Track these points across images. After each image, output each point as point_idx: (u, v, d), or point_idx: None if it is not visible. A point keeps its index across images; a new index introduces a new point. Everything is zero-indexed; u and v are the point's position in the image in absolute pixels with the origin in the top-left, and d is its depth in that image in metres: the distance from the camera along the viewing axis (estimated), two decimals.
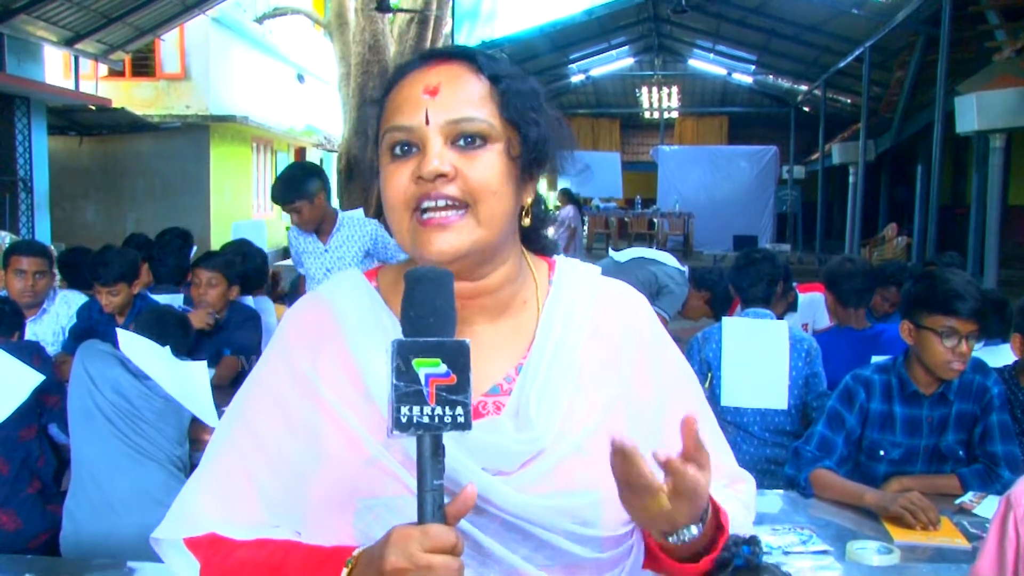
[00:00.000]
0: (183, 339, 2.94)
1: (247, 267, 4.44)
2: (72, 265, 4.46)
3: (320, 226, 3.79)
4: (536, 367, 0.97)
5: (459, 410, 0.80)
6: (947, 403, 2.33)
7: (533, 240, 1.06)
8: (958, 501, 2.22)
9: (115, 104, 11.02)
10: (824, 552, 1.92)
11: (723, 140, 21.39)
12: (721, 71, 19.27)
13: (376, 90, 1.04)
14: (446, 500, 0.80)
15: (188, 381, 2.74)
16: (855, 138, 13.39)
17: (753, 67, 17.79)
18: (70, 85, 10.65)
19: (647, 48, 18.39)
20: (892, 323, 3.67)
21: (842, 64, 12.88)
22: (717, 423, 1.12)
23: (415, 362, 0.80)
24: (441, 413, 0.79)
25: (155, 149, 12.82)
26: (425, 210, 0.91)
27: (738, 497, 1.06)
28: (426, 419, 0.79)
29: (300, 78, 17.14)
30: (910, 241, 12.21)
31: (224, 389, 3.25)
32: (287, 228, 3.97)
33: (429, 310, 0.82)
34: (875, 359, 2.59)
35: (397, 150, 0.94)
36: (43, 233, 9.55)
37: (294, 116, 16.67)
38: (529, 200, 1.00)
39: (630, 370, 1.01)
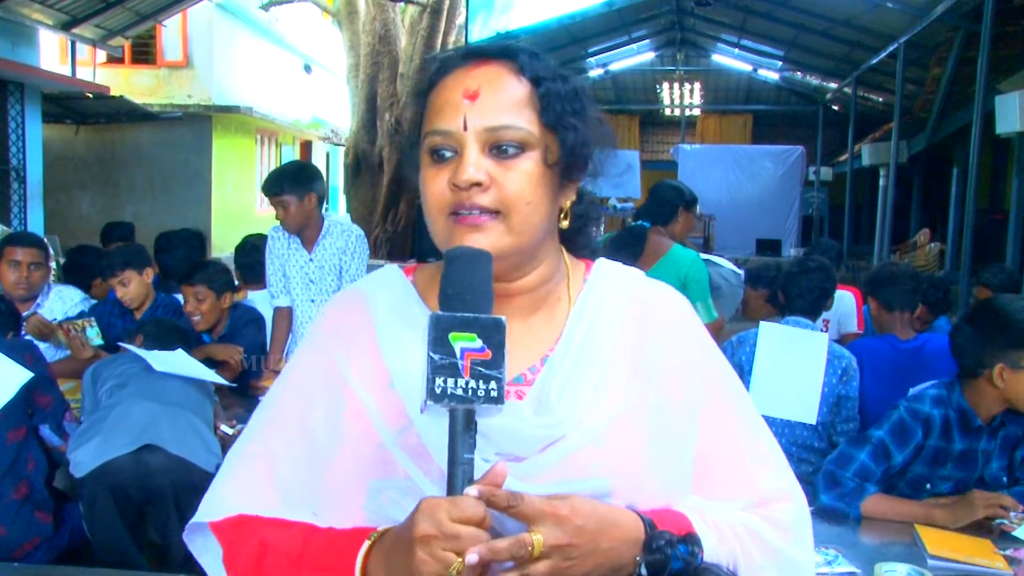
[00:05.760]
0: (185, 345, 3.14)
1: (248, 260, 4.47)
2: (79, 265, 4.45)
3: (304, 232, 3.66)
4: (561, 358, 0.99)
5: (492, 384, 0.84)
6: (996, 429, 2.27)
7: (572, 241, 1.08)
8: (997, 522, 2.13)
9: (113, 92, 10.82)
10: (851, 574, 1.89)
11: (747, 139, 20.90)
12: (746, 67, 18.76)
13: (421, 83, 1.03)
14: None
15: (193, 366, 3.02)
16: (886, 138, 12.89)
17: (780, 63, 17.27)
18: (66, 71, 10.46)
19: (669, 42, 17.93)
20: (932, 333, 3.69)
21: (874, 61, 12.33)
22: (766, 435, 1.08)
23: (451, 336, 0.83)
24: (475, 386, 0.83)
25: (155, 139, 12.68)
26: (459, 213, 0.94)
27: (749, 523, 1.00)
28: (460, 391, 0.83)
29: (307, 68, 17.04)
30: (943, 248, 11.75)
31: (225, 392, 3.33)
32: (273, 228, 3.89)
33: (466, 287, 0.86)
34: (923, 386, 2.45)
35: (435, 154, 0.96)
36: (36, 225, 9.41)
37: (300, 108, 16.54)
38: (568, 203, 1.02)
39: (658, 369, 1.01)
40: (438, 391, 0.82)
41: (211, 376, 3.04)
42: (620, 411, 0.98)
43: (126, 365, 2.92)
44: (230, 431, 2.95)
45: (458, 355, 0.83)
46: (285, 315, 3.76)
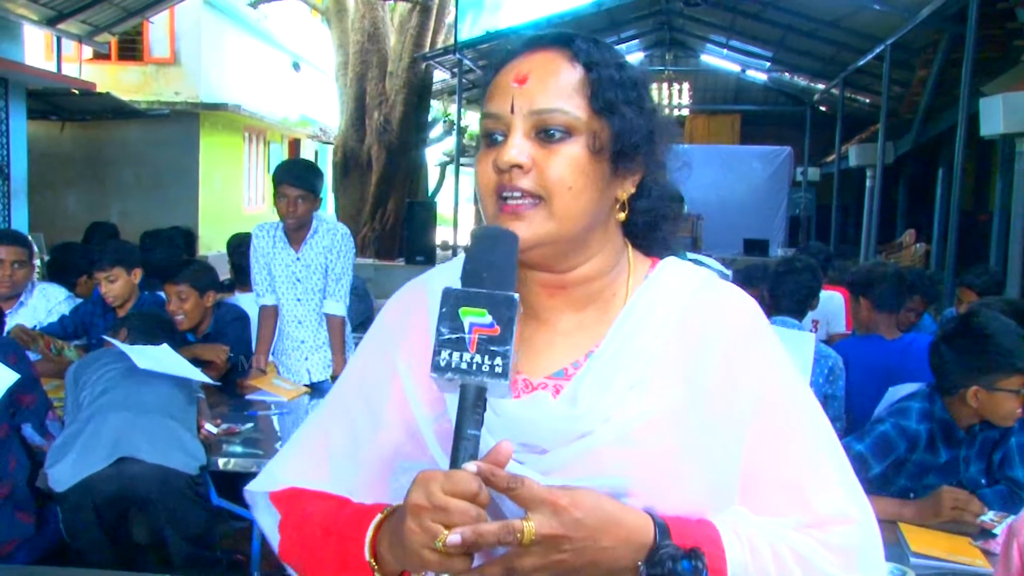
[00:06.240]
0: (171, 339, 3.10)
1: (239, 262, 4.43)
2: (63, 263, 4.44)
3: (297, 231, 3.65)
4: (603, 354, 0.97)
5: (498, 360, 0.82)
6: (975, 435, 2.29)
7: (645, 238, 1.05)
8: (980, 519, 2.17)
9: (100, 88, 10.71)
10: None
11: (735, 139, 20.88)
12: (734, 67, 18.78)
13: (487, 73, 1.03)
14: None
15: (178, 364, 2.97)
16: (873, 140, 12.93)
17: (768, 64, 17.27)
18: (52, 67, 10.35)
19: (658, 42, 17.94)
20: (917, 332, 3.74)
21: (862, 62, 12.33)
22: (834, 454, 0.99)
23: (461, 311, 0.84)
24: (480, 361, 0.83)
25: (142, 137, 12.55)
26: (505, 198, 0.93)
27: (796, 544, 0.92)
28: (464, 365, 0.83)
29: (296, 66, 16.95)
30: (929, 248, 11.80)
31: (211, 391, 3.30)
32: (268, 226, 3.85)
33: (484, 264, 0.87)
34: (904, 392, 2.46)
35: (488, 138, 0.96)
36: (20, 222, 9.32)
37: (289, 106, 16.46)
38: (624, 195, 0.99)
39: (709, 375, 0.96)
40: (442, 364, 0.83)
41: (197, 375, 3.00)
42: (656, 412, 0.94)
43: (108, 367, 2.86)
44: (215, 430, 2.92)
45: (466, 329, 0.83)
46: (271, 313, 3.74)
